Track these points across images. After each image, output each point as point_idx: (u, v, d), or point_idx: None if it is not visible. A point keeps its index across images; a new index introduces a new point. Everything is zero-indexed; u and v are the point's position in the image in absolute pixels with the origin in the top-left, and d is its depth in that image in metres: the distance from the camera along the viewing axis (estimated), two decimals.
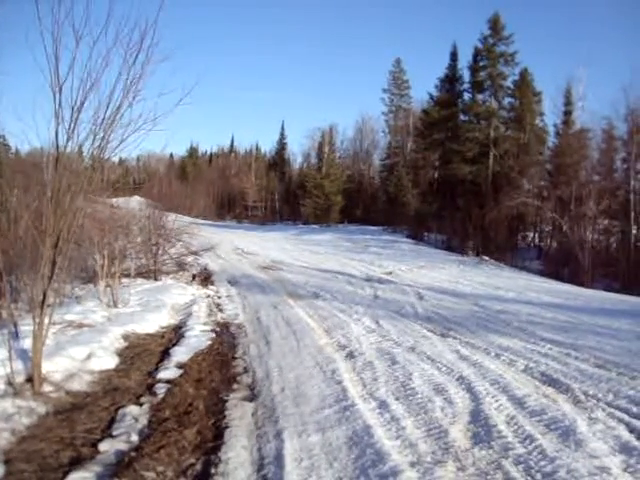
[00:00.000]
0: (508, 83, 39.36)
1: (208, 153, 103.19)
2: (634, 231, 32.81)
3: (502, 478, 4.32)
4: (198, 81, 7.27)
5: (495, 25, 38.05)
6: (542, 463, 4.54)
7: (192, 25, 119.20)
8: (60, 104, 6.22)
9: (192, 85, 7.16)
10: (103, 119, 6.58)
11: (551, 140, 42.29)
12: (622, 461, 4.60)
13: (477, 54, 39.15)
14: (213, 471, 4.59)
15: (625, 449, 4.81)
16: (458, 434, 5.21)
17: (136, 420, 5.61)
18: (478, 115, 39.47)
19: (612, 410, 5.81)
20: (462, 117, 41.15)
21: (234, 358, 8.29)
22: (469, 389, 6.49)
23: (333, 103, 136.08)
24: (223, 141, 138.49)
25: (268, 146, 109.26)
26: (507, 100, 40.16)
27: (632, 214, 32.22)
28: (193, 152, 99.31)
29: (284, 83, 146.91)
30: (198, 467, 4.71)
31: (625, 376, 7.20)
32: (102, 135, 6.62)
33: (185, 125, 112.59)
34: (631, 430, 5.25)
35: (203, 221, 55.23)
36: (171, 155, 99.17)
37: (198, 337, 9.36)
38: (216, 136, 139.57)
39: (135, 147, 8.91)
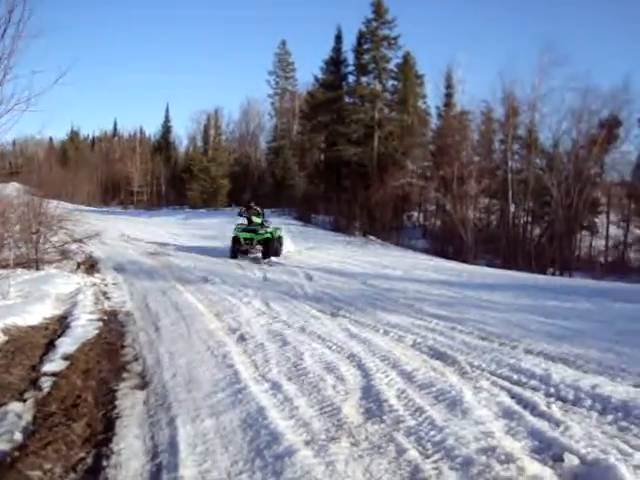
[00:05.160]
0: (391, 66, 40.35)
1: (90, 137, 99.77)
2: (512, 209, 34.38)
3: (395, 450, 4.42)
4: (75, 61, 6.93)
5: (378, 9, 38.65)
6: (432, 433, 4.68)
7: (71, 6, 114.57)
8: None
9: (69, 64, 6.82)
10: None
11: (434, 122, 43.81)
12: (504, 425, 4.83)
13: (361, 37, 39.71)
14: (105, 463, 4.45)
15: (507, 414, 5.04)
16: (351, 410, 5.29)
17: (19, 417, 5.36)
18: (363, 97, 40.09)
19: (495, 379, 6.07)
20: (347, 99, 41.67)
21: (123, 346, 8.08)
22: (360, 366, 6.59)
23: (219, 85, 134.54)
24: (106, 124, 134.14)
25: (153, 129, 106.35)
26: (391, 83, 41.18)
27: (510, 193, 33.75)
28: (74, 136, 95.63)
29: (168, 65, 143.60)
30: (89, 461, 4.55)
31: (506, 346, 7.55)
32: None
33: (64, 107, 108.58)
34: (512, 396, 5.51)
35: (87, 208, 53.51)
36: (51, 139, 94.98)
37: (85, 327, 9.06)
38: (98, 119, 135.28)
39: (8, 129, 8.44)
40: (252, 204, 21.06)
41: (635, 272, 31.87)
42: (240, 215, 20.87)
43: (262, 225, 20.03)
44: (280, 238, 21.04)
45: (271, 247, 19.45)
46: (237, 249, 19.51)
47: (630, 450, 4.34)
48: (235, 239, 19.65)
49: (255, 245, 19.58)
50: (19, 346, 7.98)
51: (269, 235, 19.72)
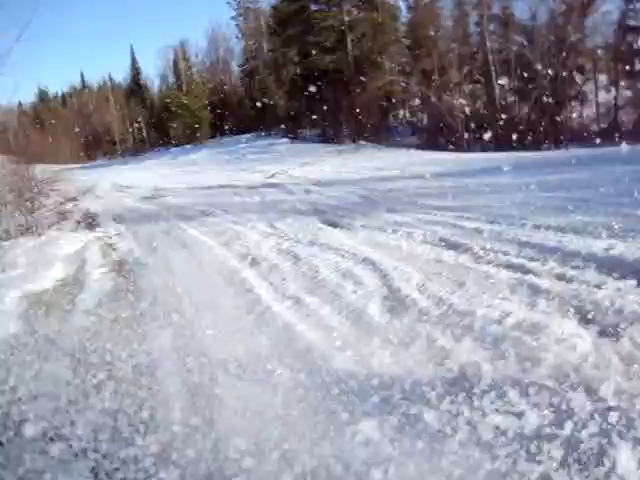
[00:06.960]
0: None
1: (60, 94, 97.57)
2: (497, 90, 33.93)
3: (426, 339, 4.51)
4: (34, 10, 6.63)
5: None
6: (457, 319, 4.79)
7: None
8: None
9: (28, 18, 6.58)
10: None
11: (404, 16, 42.54)
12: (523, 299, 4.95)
13: None
14: None
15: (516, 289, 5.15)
16: (375, 311, 5.37)
17: None
18: (329, 2, 39.01)
19: (509, 258, 6.17)
20: (313, 7, 40.54)
21: (141, 291, 8.14)
22: (375, 268, 6.65)
23: (180, 17, 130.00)
24: (72, 78, 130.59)
25: (122, 75, 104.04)
26: None
27: (493, 74, 33.22)
28: (44, 96, 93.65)
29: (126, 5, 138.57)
30: None
31: (514, 225, 7.62)
32: None
33: (28, 68, 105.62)
34: (525, 272, 5.62)
35: (74, 165, 53.09)
36: (20, 103, 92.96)
37: (99, 281, 9.08)
38: (64, 75, 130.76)
39: None
40: None
41: (629, 134, 31.56)
42: None
43: None
44: None
45: None
46: None
47: None
48: None
49: None
50: (43, 311, 8.01)
51: None
